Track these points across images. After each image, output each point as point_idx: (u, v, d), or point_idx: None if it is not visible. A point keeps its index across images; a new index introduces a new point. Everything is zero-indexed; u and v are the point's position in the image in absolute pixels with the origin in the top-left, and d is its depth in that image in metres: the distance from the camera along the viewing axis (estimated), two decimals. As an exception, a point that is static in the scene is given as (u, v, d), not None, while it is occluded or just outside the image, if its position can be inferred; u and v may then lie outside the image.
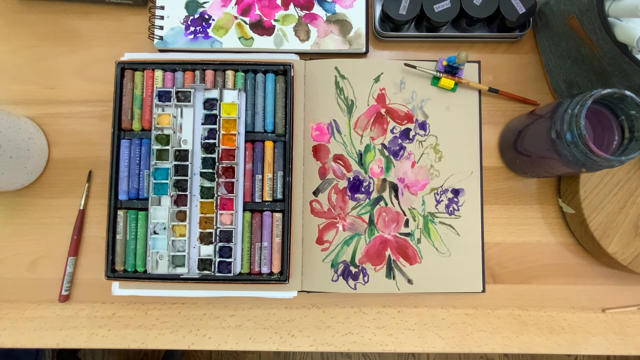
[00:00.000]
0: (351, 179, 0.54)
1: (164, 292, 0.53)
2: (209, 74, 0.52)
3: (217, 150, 0.50)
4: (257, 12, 0.56)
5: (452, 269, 0.53)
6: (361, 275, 0.53)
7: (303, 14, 0.56)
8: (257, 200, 0.52)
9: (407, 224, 0.54)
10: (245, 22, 0.55)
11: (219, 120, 0.51)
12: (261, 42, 0.55)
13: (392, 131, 0.55)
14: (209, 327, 0.53)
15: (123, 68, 0.52)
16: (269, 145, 0.52)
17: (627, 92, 0.40)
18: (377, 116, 0.55)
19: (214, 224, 0.50)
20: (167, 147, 0.50)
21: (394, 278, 0.53)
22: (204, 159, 0.50)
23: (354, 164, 0.54)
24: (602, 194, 0.51)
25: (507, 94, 0.55)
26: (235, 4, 0.56)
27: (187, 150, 0.50)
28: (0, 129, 0.47)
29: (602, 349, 0.53)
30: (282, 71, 0.53)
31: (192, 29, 0.55)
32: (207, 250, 0.50)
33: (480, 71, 0.56)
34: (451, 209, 0.54)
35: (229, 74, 0.53)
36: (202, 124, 0.51)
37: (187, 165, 0.50)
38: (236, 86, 0.52)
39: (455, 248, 0.53)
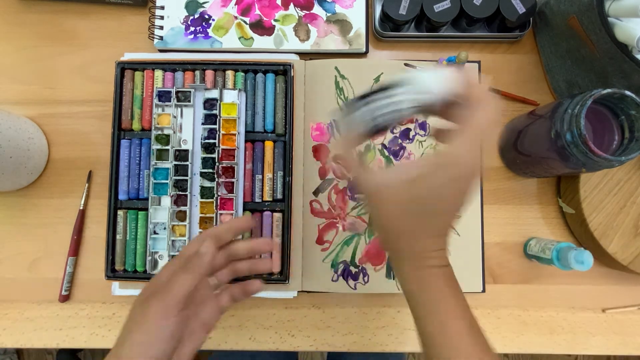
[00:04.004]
0: (351, 179, 0.54)
1: (164, 292, 0.53)
2: (209, 74, 0.52)
3: (217, 150, 0.50)
4: (257, 12, 0.56)
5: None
6: (361, 275, 0.53)
7: (303, 14, 0.56)
8: (257, 200, 0.52)
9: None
10: (245, 22, 0.55)
11: (219, 120, 0.51)
12: (261, 42, 0.55)
13: (392, 131, 0.55)
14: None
15: (123, 68, 0.52)
16: (269, 145, 0.52)
17: (627, 92, 0.40)
18: (377, 116, 0.55)
19: (214, 224, 0.50)
20: (167, 147, 0.50)
21: (394, 278, 0.53)
22: (204, 159, 0.50)
23: (354, 164, 0.54)
24: (602, 194, 0.51)
25: (507, 94, 0.55)
26: (235, 4, 0.56)
27: (187, 150, 0.50)
28: (0, 129, 0.47)
29: (602, 349, 0.53)
30: (282, 71, 0.53)
31: (192, 29, 0.55)
32: (207, 250, 0.50)
33: (480, 71, 0.56)
34: (451, 209, 0.54)
35: (229, 74, 0.53)
36: (202, 124, 0.51)
37: (187, 165, 0.50)
38: (236, 86, 0.52)
39: (455, 248, 0.53)
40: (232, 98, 0.52)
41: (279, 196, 0.52)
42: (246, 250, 0.39)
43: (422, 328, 0.32)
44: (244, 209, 0.52)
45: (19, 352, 1.30)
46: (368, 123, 0.31)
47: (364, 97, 0.32)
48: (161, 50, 0.56)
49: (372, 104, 0.31)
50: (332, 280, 0.53)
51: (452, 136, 0.30)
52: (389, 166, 0.54)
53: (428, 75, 0.31)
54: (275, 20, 0.55)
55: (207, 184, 0.50)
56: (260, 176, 0.52)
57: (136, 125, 0.52)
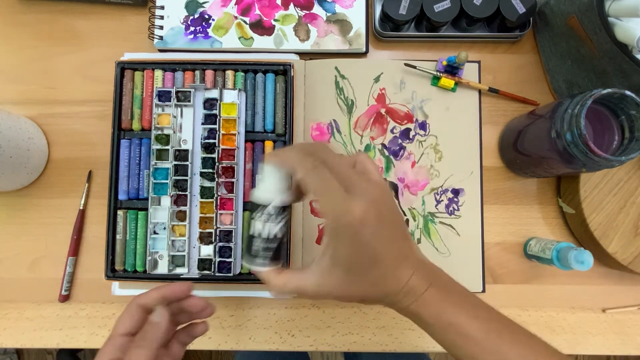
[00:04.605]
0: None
1: (164, 292, 0.53)
2: (209, 74, 0.52)
3: (217, 150, 0.50)
4: (257, 12, 0.56)
5: (452, 269, 0.52)
6: (361, 275, 0.53)
7: (303, 13, 0.56)
8: (257, 200, 0.52)
9: (407, 223, 0.54)
10: (245, 22, 0.55)
11: (219, 120, 0.51)
12: (261, 42, 0.55)
13: (392, 131, 0.55)
14: (209, 327, 0.53)
15: (123, 68, 0.52)
16: (269, 145, 0.52)
17: (627, 92, 0.40)
18: (377, 116, 0.55)
19: (214, 224, 0.50)
20: (167, 147, 0.50)
21: (394, 278, 0.53)
22: (204, 159, 0.50)
23: (354, 164, 0.54)
24: (602, 194, 0.51)
25: (507, 94, 0.55)
26: (235, 4, 0.56)
27: (187, 150, 0.50)
28: (0, 129, 0.47)
29: (602, 349, 0.53)
30: (282, 71, 0.53)
31: (192, 28, 0.55)
32: (207, 250, 0.50)
33: (480, 71, 0.56)
34: (451, 209, 0.54)
35: (229, 74, 0.53)
36: (202, 123, 0.51)
37: (187, 165, 0.50)
38: (236, 86, 0.52)
39: (455, 248, 0.53)
40: (232, 98, 0.52)
41: (279, 196, 0.52)
42: (180, 310, 0.38)
43: (442, 344, 0.32)
44: (244, 209, 0.52)
45: (19, 352, 1.30)
46: (268, 259, 0.33)
47: (249, 247, 0.34)
48: (161, 50, 0.56)
49: (255, 248, 0.33)
50: (332, 280, 0.53)
51: None
52: (388, 166, 0.54)
53: (261, 189, 0.33)
54: (275, 20, 0.55)
55: (207, 184, 0.50)
56: (260, 176, 0.52)
57: (136, 125, 0.52)
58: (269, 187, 0.33)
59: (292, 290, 0.32)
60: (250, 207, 0.34)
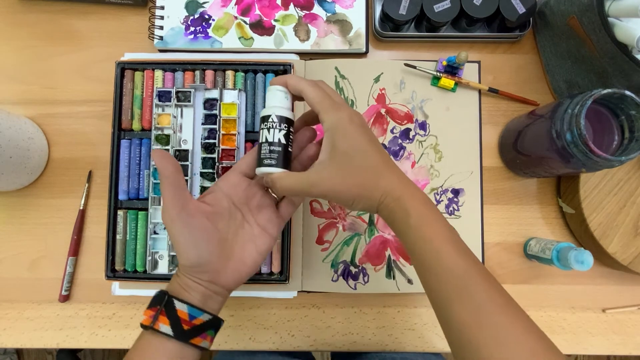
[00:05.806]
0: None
1: (164, 292, 0.53)
2: (209, 74, 0.52)
3: (217, 150, 0.50)
4: (257, 12, 0.56)
5: (452, 269, 0.53)
6: (361, 275, 0.53)
7: (303, 14, 0.56)
8: (257, 200, 0.52)
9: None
10: (245, 22, 0.55)
11: (219, 120, 0.51)
12: (261, 42, 0.55)
13: (392, 131, 0.55)
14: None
15: (123, 68, 0.52)
16: (269, 145, 0.52)
17: (627, 92, 0.40)
18: (377, 116, 0.55)
19: (214, 224, 0.50)
20: (167, 147, 0.50)
21: (394, 278, 0.53)
22: (204, 159, 0.50)
23: (354, 164, 0.54)
24: (602, 194, 0.51)
25: (507, 94, 0.55)
26: (235, 4, 0.56)
27: (187, 150, 0.50)
28: (0, 129, 0.47)
29: (602, 349, 0.53)
30: (282, 71, 0.53)
31: (192, 29, 0.55)
32: (207, 250, 0.50)
33: (480, 71, 0.56)
34: (451, 209, 0.54)
35: (229, 74, 0.53)
36: (202, 124, 0.51)
37: (187, 165, 0.50)
38: (236, 86, 0.52)
39: (455, 248, 0.53)
40: (232, 98, 0.52)
41: (279, 196, 0.52)
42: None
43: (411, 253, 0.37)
44: (244, 209, 0.51)
45: (19, 352, 1.30)
46: (274, 160, 0.37)
47: (259, 154, 0.38)
48: (161, 50, 0.56)
49: (263, 152, 0.38)
50: (332, 280, 0.53)
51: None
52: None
53: (266, 105, 0.39)
54: (275, 20, 0.55)
55: (207, 184, 0.50)
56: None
57: (136, 125, 0.52)
58: (272, 104, 0.38)
59: (297, 186, 0.36)
60: (260, 123, 0.39)
